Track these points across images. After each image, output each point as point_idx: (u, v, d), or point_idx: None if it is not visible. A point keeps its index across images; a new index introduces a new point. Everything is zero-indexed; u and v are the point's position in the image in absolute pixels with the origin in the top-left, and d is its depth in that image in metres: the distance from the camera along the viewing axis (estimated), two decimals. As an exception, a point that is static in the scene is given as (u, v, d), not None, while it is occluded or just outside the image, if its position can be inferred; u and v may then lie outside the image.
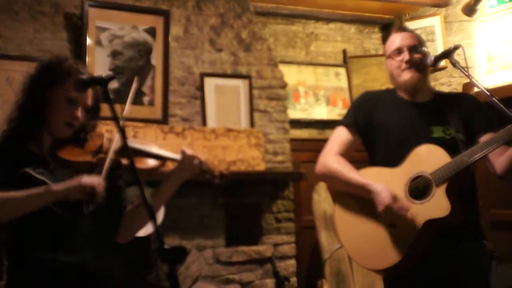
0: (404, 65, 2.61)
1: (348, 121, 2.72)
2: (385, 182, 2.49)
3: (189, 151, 2.18)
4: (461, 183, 2.48)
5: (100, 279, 2.06)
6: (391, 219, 2.46)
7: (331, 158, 2.65)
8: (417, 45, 2.64)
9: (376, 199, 2.45)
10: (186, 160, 2.16)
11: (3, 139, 2.07)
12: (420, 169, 2.48)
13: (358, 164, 2.61)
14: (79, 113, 2.07)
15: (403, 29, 2.73)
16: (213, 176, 2.23)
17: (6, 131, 2.08)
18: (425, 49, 2.67)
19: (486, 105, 2.61)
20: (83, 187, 1.93)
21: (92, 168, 2.07)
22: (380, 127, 2.64)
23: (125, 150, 1.85)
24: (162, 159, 2.19)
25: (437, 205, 2.42)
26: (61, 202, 1.97)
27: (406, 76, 2.61)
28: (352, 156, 2.69)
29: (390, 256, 2.47)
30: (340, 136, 2.71)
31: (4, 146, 2.06)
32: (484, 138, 2.49)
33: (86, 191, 1.93)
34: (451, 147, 2.47)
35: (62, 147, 2.08)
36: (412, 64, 2.60)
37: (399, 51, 2.64)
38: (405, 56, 2.61)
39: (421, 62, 2.61)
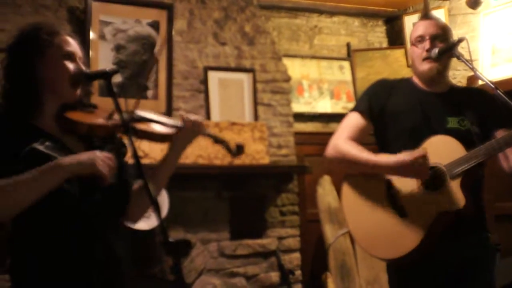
0: (425, 54, 2.58)
1: (361, 108, 2.67)
2: None
3: (189, 116, 2.17)
4: (474, 177, 2.46)
5: (110, 266, 1.98)
6: (419, 172, 2.41)
7: (342, 142, 2.60)
8: (440, 34, 2.60)
9: (397, 166, 2.41)
10: (187, 124, 2.15)
11: (2, 113, 1.96)
12: (434, 160, 2.44)
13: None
14: (80, 66, 2.02)
15: (428, 17, 2.69)
16: (228, 148, 2.24)
17: (4, 106, 1.96)
18: (450, 39, 2.62)
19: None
20: (98, 162, 1.84)
21: (109, 135, 2.01)
22: (393, 115, 2.60)
23: (131, 145, 1.84)
24: (168, 126, 2.16)
25: (451, 198, 2.40)
26: (72, 180, 1.85)
27: (425, 66, 2.58)
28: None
29: (401, 246, 2.45)
30: (353, 121, 2.66)
31: (5, 120, 1.94)
32: (500, 133, 2.46)
33: (101, 167, 1.84)
34: (465, 139, 2.45)
35: (70, 111, 2.00)
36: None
37: (421, 39, 2.60)
38: (426, 44, 2.58)
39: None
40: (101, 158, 1.88)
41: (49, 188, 1.81)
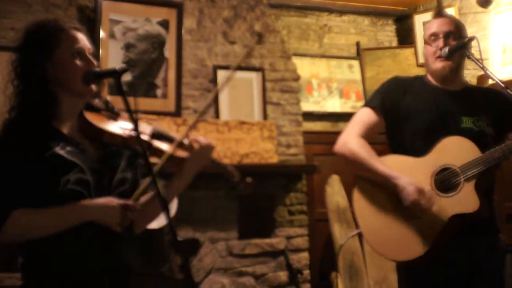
0: (438, 52, 2.55)
1: (374, 104, 2.63)
2: (409, 172, 2.44)
3: (199, 139, 2.15)
4: (489, 179, 2.44)
5: (118, 272, 1.99)
6: (416, 213, 2.41)
7: (353, 140, 2.57)
8: (454, 32, 2.57)
9: (401, 194, 2.40)
10: (196, 148, 2.14)
11: (22, 117, 1.93)
12: (448, 161, 2.42)
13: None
14: (91, 60, 1.99)
15: (441, 14, 2.66)
16: (235, 182, 2.23)
17: (22, 111, 1.94)
18: (463, 35, 2.58)
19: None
20: (116, 216, 1.89)
21: (122, 145, 2.01)
22: (407, 113, 2.57)
23: (139, 142, 1.84)
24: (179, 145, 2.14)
25: (465, 200, 2.37)
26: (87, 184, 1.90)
27: (438, 64, 2.56)
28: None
29: (414, 248, 2.42)
30: (364, 117, 2.62)
31: (26, 124, 1.91)
32: None
33: (115, 223, 1.89)
34: (479, 140, 2.43)
35: (91, 112, 2.01)
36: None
37: (435, 37, 2.58)
38: (440, 42, 2.55)
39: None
40: (120, 211, 1.90)
41: (69, 226, 1.88)
